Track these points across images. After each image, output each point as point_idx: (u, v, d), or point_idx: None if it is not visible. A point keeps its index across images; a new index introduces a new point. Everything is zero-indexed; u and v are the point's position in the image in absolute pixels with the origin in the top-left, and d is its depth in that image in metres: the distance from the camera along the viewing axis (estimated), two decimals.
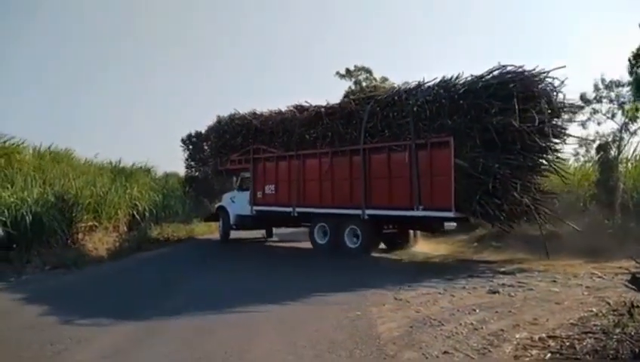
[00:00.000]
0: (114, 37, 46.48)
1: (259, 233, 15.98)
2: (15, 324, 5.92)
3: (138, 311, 6.27)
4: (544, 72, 9.55)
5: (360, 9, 47.56)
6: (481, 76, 9.68)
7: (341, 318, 5.70)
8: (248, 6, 48.11)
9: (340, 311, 6.06)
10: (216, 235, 16.20)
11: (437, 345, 4.62)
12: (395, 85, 12.93)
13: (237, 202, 14.83)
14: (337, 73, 24.93)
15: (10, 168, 13.43)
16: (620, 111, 14.26)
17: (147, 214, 16.69)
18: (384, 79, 23.29)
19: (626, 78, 13.38)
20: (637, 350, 3.94)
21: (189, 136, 20.45)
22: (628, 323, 4.60)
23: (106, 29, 45.40)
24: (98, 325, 5.70)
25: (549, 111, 9.44)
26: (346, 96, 17.95)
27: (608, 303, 5.95)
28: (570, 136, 10.18)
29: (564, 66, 9.46)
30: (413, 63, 40.48)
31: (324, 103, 12.58)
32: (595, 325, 4.96)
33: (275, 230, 15.88)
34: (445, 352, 4.41)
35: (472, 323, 5.28)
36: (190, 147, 20.48)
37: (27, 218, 11.23)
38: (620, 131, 14.37)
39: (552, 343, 4.53)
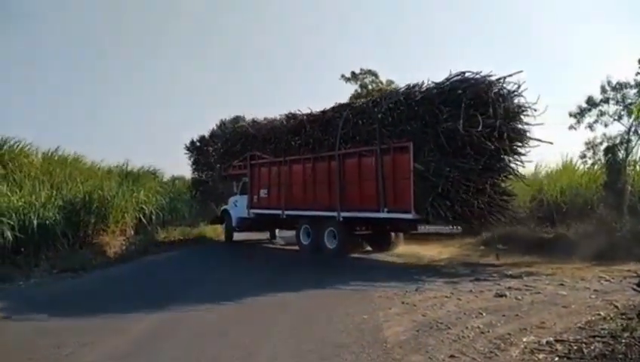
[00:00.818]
0: (119, 39, 46.81)
1: (265, 235, 16.49)
2: (22, 328, 5.96)
3: (143, 316, 6.27)
4: (500, 78, 9.85)
5: (368, 11, 47.56)
6: (439, 83, 10.23)
7: (347, 322, 5.69)
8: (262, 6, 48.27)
9: (346, 314, 6.06)
10: (222, 238, 16.87)
11: (443, 348, 4.61)
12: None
13: (238, 205, 15.67)
14: (343, 76, 24.97)
15: (19, 172, 13.53)
16: (626, 113, 14.18)
17: (154, 218, 16.75)
18: (390, 82, 23.30)
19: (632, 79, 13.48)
20: None
21: (192, 143, 20.52)
22: (637, 327, 4.58)
23: (111, 31, 45.71)
24: (104, 329, 5.71)
25: (502, 114, 9.63)
26: (351, 99, 18.03)
27: (616, 307, 5.92)
28: (531, 138, 10.29)
29: (522, 71, 9.84)
30: (424, 65, 40.37)
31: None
32: (603, 329, 4.94)
33: (285, 233, 16.04)
34: (452, 356, 4.39)
35: (478, 327, 5.27)
36: (195, 152, 20.57)
37: (35, 222, 11.32)
38: (628, 133, 14.27)
39: (559, 347, 4.50)
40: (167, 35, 47.46)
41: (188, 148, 20.56)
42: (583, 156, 15.51)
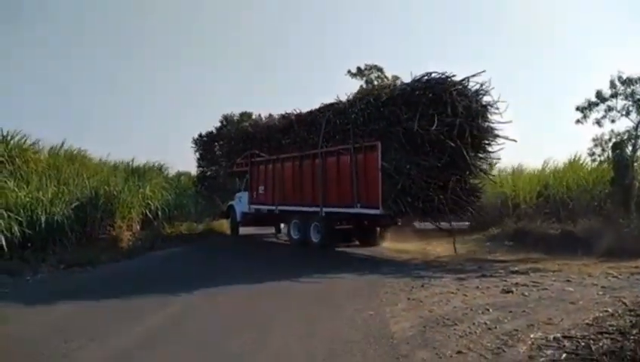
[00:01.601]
0: (127, 35, 46.87)
1: (271, 229, 16.76)
2: (31, 323, 5.99)
3: (148, 312, 6.29)
4: (464, 78, 10.24)
5: (373, 7, 47.36)
6: (404, 84, 10.89)
7: (355, 317, 5.71)
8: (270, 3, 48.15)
9: (353, 310, 6.07)
10: (227, 233, 17.37)
11: (450, 344, 4.60)
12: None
13: (242, 201, 16.51)
14: (349, 72, 24.90)
15: (26, 167, 13.56)
16: (635, 109, 14.09)
17: (160, 213, 16.79)
18: (396, 78, 23.14)
19: None
20: None
21: (200, 136, 20.58)
22: None
23: (119, 27, 45.78)
24: (111, 324, 5.72)
25: (463, 113, 9.89)
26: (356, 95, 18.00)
27: (624, 303, 5.90)
28: (498, 136, 10.63)
29: (484, 71, 10.21)
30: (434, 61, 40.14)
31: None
32: (611, 325, 4.93)
33: None
34: (459, 352, 4.39)
35: (485, 323, 5.26)
36: (201, 147, 20.64)
37: (42, 217, 11.38)
38: (636, 129, 14.19)
39: (567, 343, 4.49)
40: (183, 34, 47.53)
41: (195, 142, 20.61)
42: (592, 153, 15.45)
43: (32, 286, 8.40)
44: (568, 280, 7.67)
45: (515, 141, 10.55)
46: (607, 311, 5.57)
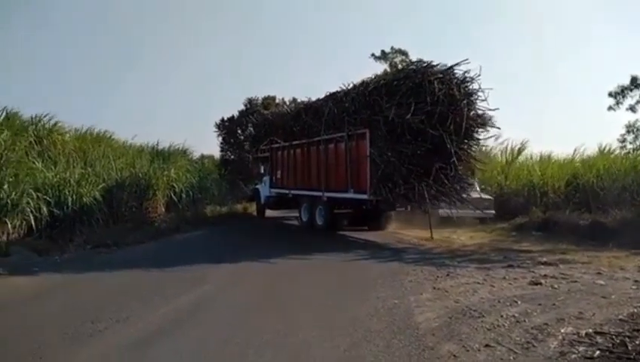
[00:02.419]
0: (154, 17, 47.03)
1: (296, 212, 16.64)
2: (58, 302, 6.08)
3: (172, 295, 6.31)
4: (450, 67, 10.37)
5: None
6: (388, 73, 11.42)
7: (378, 306, 5.61)
8: None
9: (376, 298, 5.98)
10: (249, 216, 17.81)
11: (478, 337, 4.48)
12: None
13: (265, 185, 17.28)
14: (372, 55, 24.58)
15: (53, 148, 13.78)
16: None
17: (184, 196, 16.94)
18: (420, 61, 22.73)
19: None
20: None
21: (223, 120, 20.64)
22: None
23: (147, 11, 45.95)
24: (135, 306, 5.72)
25: (444, 101, 10.01)
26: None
27: None
28: (484, 124, 10.85)
29: (468, 60, 10.29)
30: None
31: None
32: None
33: None
34: (487, 345, 4.26)
35: (513, 316, 5.12)
36: (224, 131, 20.73)
37: (69, 198, 11.57)
38: None
39: (600, 340, 4.33)
40: (205, 16, 47.48)
41: (218, 127, 20.70)
42: (623, 140, 14.97)
43: (59, 265, 8.54)
44: (599, 273, 7.44)
45: (499, 129, 11.22)
46: None
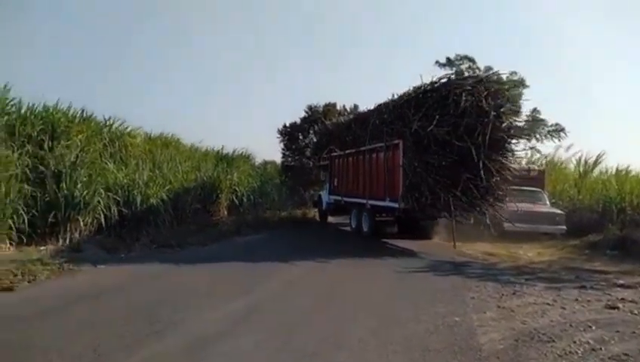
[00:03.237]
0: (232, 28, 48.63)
1: None
2: (119, 301, 6.23)
3: (229, 300, 6.37)
4: (473, 79, 10.67)
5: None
6: (418, 86, 11.41)
7: (438, 323, 5.36)
8: None
9: (436, 314, 5.73)
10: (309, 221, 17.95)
11: None
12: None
13: (326, 192, 17.68)
14: (437, 62, 24.04)
15: (124, 151, 14.44)
16: None
17: (245, 199, 17.27)
18: (488, 68, 21.97)
19: None
20: None
21: (285, 127, 20.92)
22: None
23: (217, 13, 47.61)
24: (193, 309, 5.77)
25: (472, 113, 10.12)
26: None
27: None
28: (514, 136, 11.01)
29: (499, 71, 10.99)
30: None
31: None
32: None
33: None
34: None
35: (588, 342, 4.72)
36: (286, 137, 21.01)
37: (138, 199, 12.08)
38: None
39: None
40: (273, 23, 48.63)
41: (280, 133, 21.01)
42: None
43: (125, 263, 8.90)
44: None
45: (528, 140, 10.99)
46: None
